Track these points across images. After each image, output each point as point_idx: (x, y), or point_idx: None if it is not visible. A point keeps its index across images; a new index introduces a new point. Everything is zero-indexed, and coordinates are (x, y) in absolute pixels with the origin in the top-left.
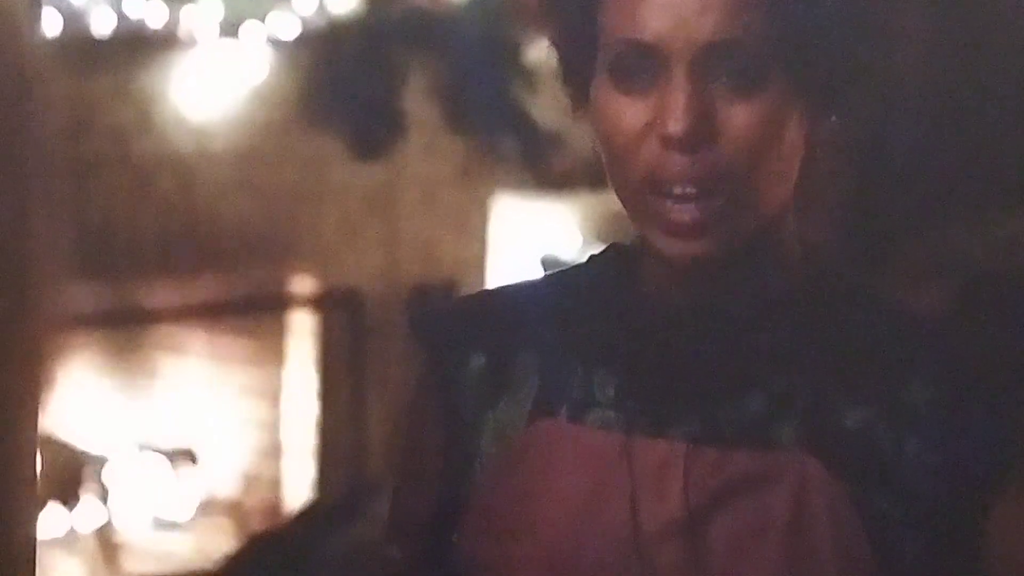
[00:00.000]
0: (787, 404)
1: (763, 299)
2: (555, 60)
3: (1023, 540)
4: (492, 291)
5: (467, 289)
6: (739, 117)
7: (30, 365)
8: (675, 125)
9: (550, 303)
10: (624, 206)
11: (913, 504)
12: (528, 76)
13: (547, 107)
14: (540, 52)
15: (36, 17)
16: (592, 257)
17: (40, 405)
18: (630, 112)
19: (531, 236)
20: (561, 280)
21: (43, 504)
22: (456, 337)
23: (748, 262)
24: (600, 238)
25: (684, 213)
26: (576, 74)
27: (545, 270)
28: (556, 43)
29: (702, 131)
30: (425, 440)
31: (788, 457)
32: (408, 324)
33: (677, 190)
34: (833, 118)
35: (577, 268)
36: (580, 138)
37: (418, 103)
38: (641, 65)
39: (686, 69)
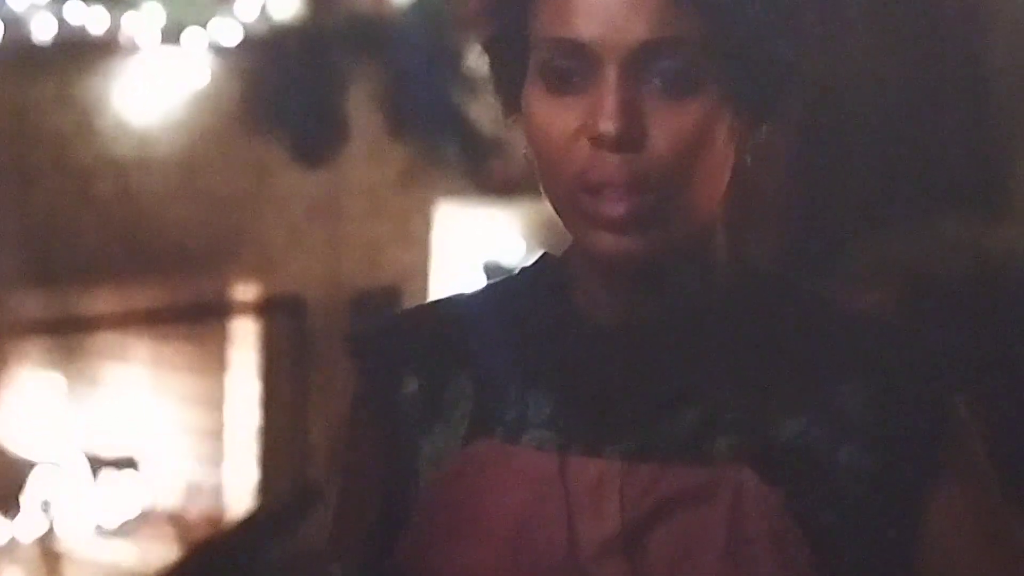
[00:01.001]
0: (721, 417)
1: (693, 311)
2: (487, 66)
3: (956, 542)
4: (425, 308)
5: (410, 295)
6: (670, 119)
7: None
8: (606, 124)
9: (483, 322)
10: (556, 209)
11: (850, 510)
12: (470, 82)
13: (490, 113)
14: (479, 56)
15: None
16: (524, 269)
17: None
18: (561, 114)
19: (474, 242)
20: (494, 295)
21: None
22: (389, 360)
23: (677, 269)
24: (543, 244)
25: (616, 207)
26: (508, 80)
27: (488, 276)
28: (488, 48)
29: (634, 131)
30: (362, 461)
31: (723, 471)
32: (343, 342)
33: (608, 191)
34: (763, 128)
35: (510, 281)
36: (523, 144)
37: (361, 109)
38: (572, 67)
39: (618, 69)
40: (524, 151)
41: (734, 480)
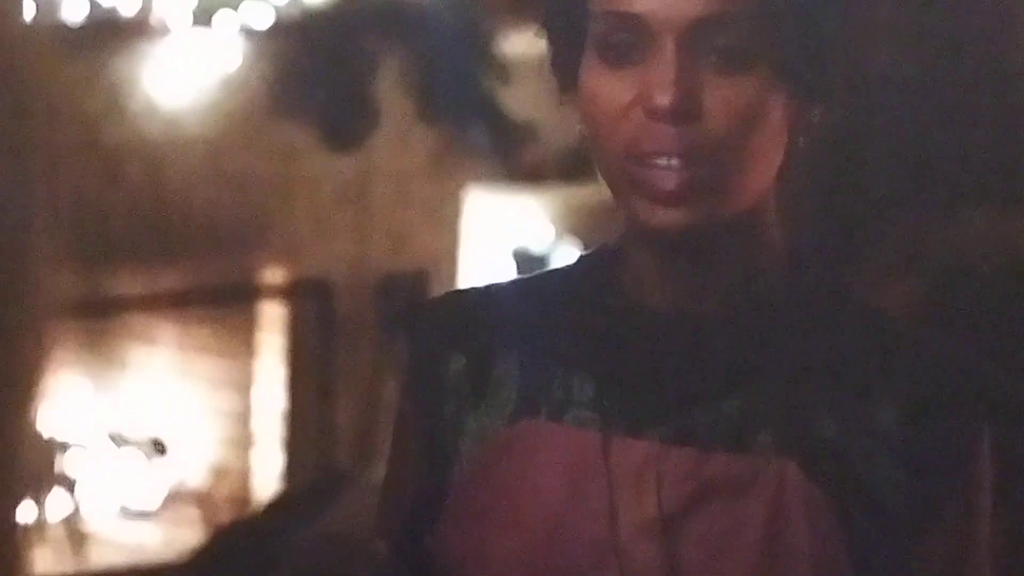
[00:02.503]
0: (763, 409)
1: (741, 301)
2: (544, 44)
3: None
4: (474, 290)
5: (438, 281)
6: (725, 94)
7: (22, 356)
8: (662, 97)
9: (530, 304)
10: (608, 183)
11: (884, 518)
12: (501, 68)
13: (520, 99)
14: (513, 44)
15: (18, 5)
16: (581, 257)
17: (32, 396)
18: (618, 86)
19: (503, 228)
20: (543, 280)
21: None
22: (437, 337)
23: (728, 250)
24: (572, 231)
25: (668, 180)
26: (565, 56)
27: (517, 263)
28: (547, 24)
29: (689, 105)
30: (408, 435)
31: (766, 461)
32: (386, 325)
33: (661, 161)
34: (817, 111)
35: (563, 268)
36: (553, 131)
37: (391, 94)
38: (629, 40)
39: (675, 43)
40: (579, 127)
41: (777, 471)
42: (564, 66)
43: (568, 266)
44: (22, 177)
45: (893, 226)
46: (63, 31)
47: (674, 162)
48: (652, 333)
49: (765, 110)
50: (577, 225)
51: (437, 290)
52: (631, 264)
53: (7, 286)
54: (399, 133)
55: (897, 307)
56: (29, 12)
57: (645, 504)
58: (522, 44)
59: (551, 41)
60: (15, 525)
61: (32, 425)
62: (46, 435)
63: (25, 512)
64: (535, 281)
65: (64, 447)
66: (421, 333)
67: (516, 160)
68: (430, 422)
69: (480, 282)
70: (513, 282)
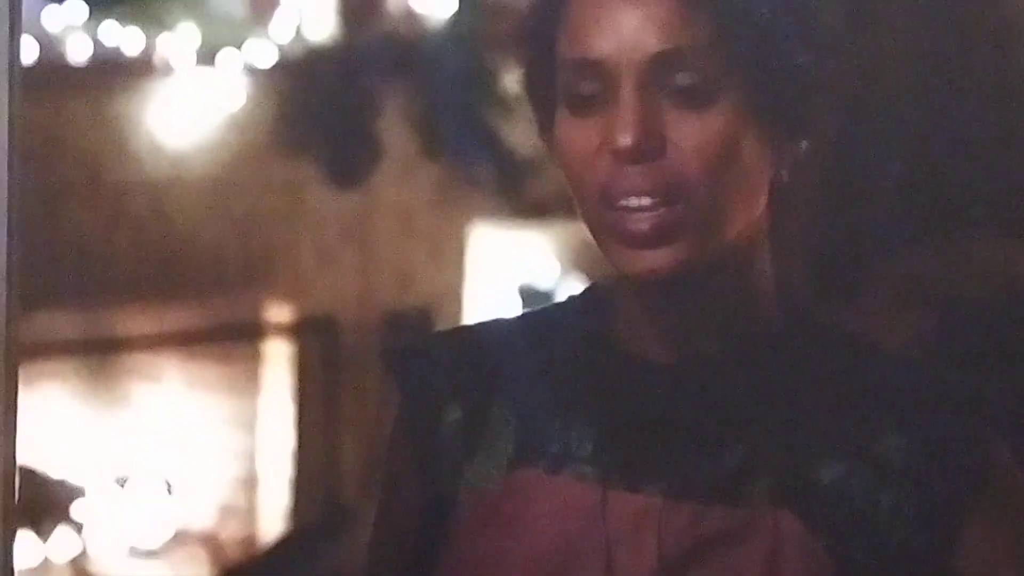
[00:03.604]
0: (762, 459)
1: (736, 349)
2: (523, 90)
3: (995, 563)
4: (468, 331)
5: (443, 317)
6: (690, 129)
7: (4, 392)
8: (623, 137)
9: (528, 352)
10: (589, 230)
11: (889, 554)
12: (504, 103)
13: (523, 134)
14: (516, 79)
15: (16, 44)
16: (570, 298)
17: (12, 435)
18: (584, 134)
19: (508, 264)
20: (538, 324)
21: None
22: (431, 386)
23: (717, 292)
24: (577, 266)
25: (641, 222)
26: (542, 103)
27: (522, 299)
28: (524, 73)
29: (651, 142)
30: (401, 485)
31: (763, 513)
32: (383, 363)
33: (632, 202)
34: (804, 144)
35: (555, 309)
36: (557, 166)
37: (394, 130)
38: (593, 88)
39: (633, 83)
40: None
41: (772, 523)
42: (542, 113)
43: (560, 306)
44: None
45: (894, 257)
46: (67, 71)
47: (644, 201)
48: (649, 386)
49: (734, 142)
50: (582, 260)
51: (442, 327)
52: (624, 311)
53: None
54: (403, 169)
55: (900, 339)
56: (33, 53)
57: (644, 558)
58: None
59: (527, 89)
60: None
61: (26, 463)
62: (52, 475)
63: (31, 552)
64: (528, 323)
65: (71, 486)
66: (414, 381)
67: (520, 195)
68: (425, 472)
69: (474, 319)
70: (508, 323)
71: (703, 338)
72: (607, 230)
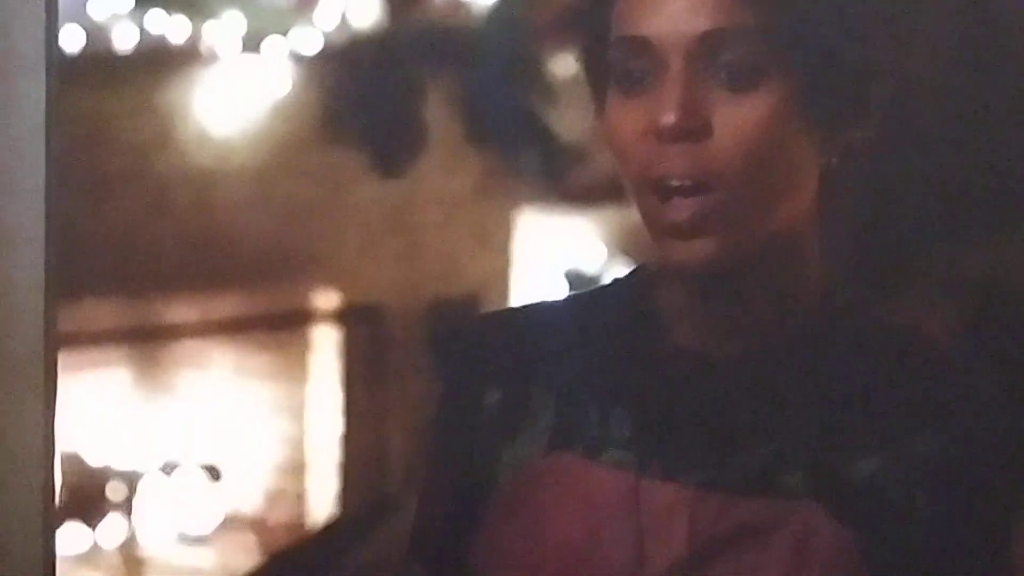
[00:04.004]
0: (797, 452)
1: (777, 341)
2: (582, 72)
3: None
4: (511, 315)
5: (489, 304)
6: (735, 112)
7: (40, 381)
8: (667, 116)
9: (570, 335)
10: (642, 219)
11: (923, 552)
12: (549, 90)
13: (568, 120)
14: (560, 65)
15: (52, 35)
16: (615, 281)
17: (52, 420)
18: (632, 114)
19: (554, 250)
20: (582, 307)
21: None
22: (473, 369)
23: (762, 284)
24: (624, 251)
25: (681, 211)
26: (596, 85)
27: (569, 284)
28: (579, 55)
29: (695, 122)
30: (442, 464)
31: (793, 506)
32: (426, 348)
33: (673, 183)
34: (855, 132)
35: (599, 293)
36: (602, 151)
37: (439, 118)
38: (642, 67)
39: (680, 62)
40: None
41: (804, 517)
42: (599, 94)
43: (604, 289)
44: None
45: (933, 249)
46: (113, 59)
47: (686, 183)
48: (688, 374)
49: (780, 129)
50: (628, 245)
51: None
52: (667, 299)
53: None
54: (448, 157)
55: (938, 332)
56: (79, 42)
57: (674, 547)
58: (569, 65)
59: (584, 70)
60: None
61: (76, 451)
62: (101, 462)
63: (80, 539)
64: (570, 307)
65: (120, 473)
66: (456, 364)
67: (566, 181)
68: (466, 453)
69: (515, 303)
70: (550, 306)
71: (744, 329)
72: (649, 217)
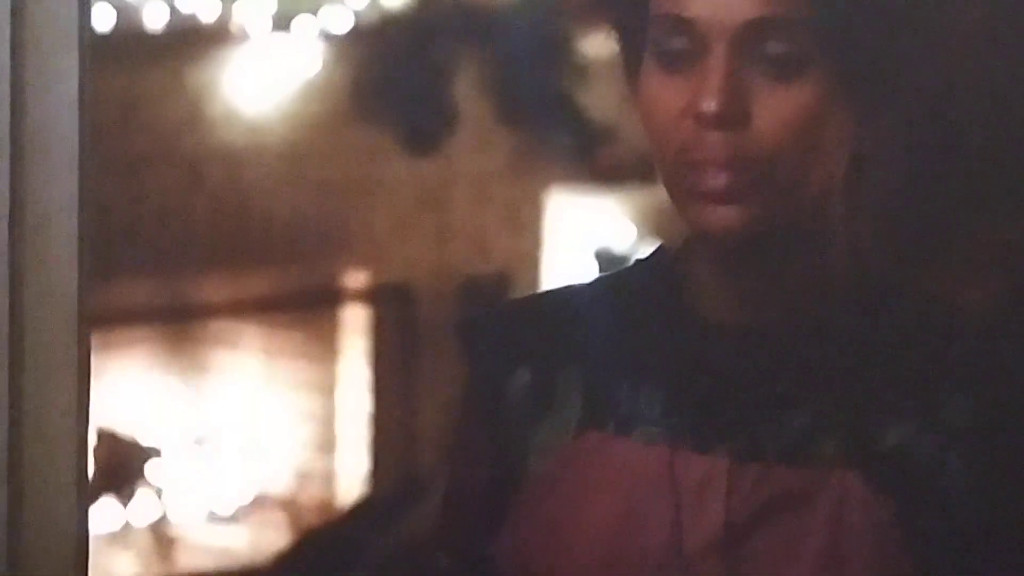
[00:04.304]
0: (830, 420)
1: (806, 310)
2: (614, 42)
3: None
4: (536, 299)
5: (519, 284)
6: (777, 101)
7: (73, 359)
8: (709, 103)
9: (596, 315)
10: (664, 185)
11: (958, 517)
12: (580, 69)
13: (599, 99)
14: (591, 44)
15: (86, 13)
16: (638, 261)
17: (86, 402)
18: (670, 92)
19: (585, 230)
20: (606, 288)
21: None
22: (501, 351)
23: (789, 255)
24: (654, 231)
25: (718, 179)
26: (632, 57)
27: (600, 264)
28: (615, 26)
29: (736, 110)
30: (470, 449)
31: (828, 475)
32: (454, 331)
33: (710, 169)
34: (886, 119)
35: (623, 273)
36: (633, 131)
37: (470, 97)
38: (684, 45)
39: (725, 47)
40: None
41: (838, 485)
42: (631, 66)
43: (627, 270)
44: (99, 187)
45: (972, 225)
46: (143, 38)
47: (720, 175)
48: (717, 347)
49: (820, 115)
50: (659, 225)
51: (519, 293)
52: (693, 274)
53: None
54: (479, 136)
55: (976, 308)
56: (110, 20)
57: (711, 520)
58: (600, 45)
59: (619, 42)
60: (86, 530)
61: (107, 428)
62: (132, 440)
63: (112, 517)
64: (595, 288)
65: (151, 452)
66: (483, 348)
67: (596, 161)
68: (494, 437)
69: (551, 286)
70: (575, 289)
71: (773, 299)
72: (682, 186)
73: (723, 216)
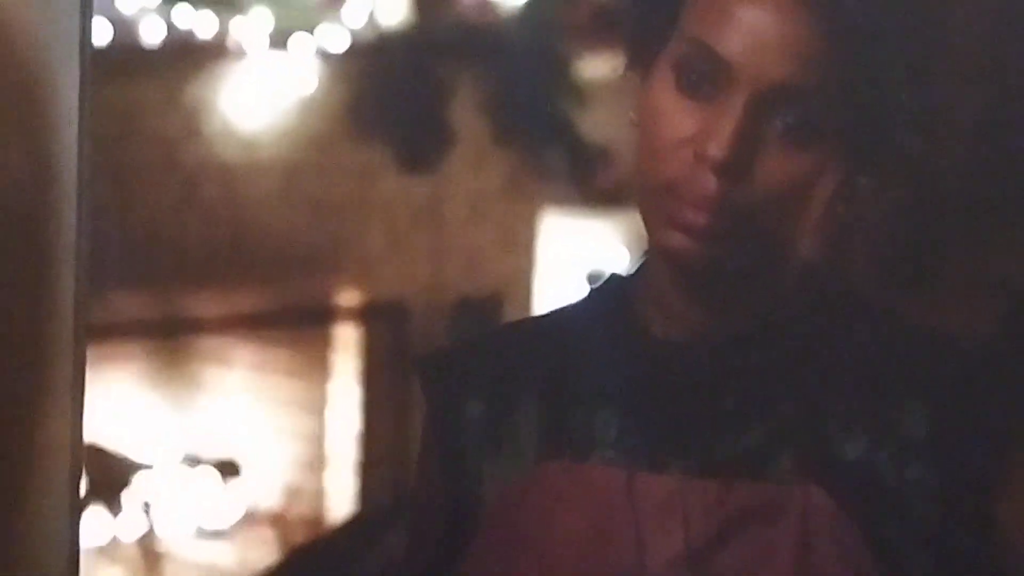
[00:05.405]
0: (786, 435)
1: (759, 328)
2: (627, 16)
3: None
4: (493, 333)
5: (512, 304)
6: (783, 164)
7: (69, 373)
8: (717, 149)
9: (551, 345)
10: (638, 197)
11: (917, 527)
12: (576, 90)
13: (595, 122)
14: (588, 66)
15: (87, 27)
16: (593, 290)
17: (80, 414)
18: (680, 115)
19: (578, 251)
20: (563, 318)
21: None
22: (455, 386)
23: (751, 276)
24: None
25: (698, 217)
26: (643, 39)
27: (591, 286)
28: (632, 13)
29: (741, 163)
30: (430, 481)
31: (791, 489)
32: (412, 367)
33: (694, 208)
34: (864, 181)
35: (580, 302)
36: (628, 153)
37: (466, 117)
38: (706, 74)
39: (747, 98)
40: (631, 117)
41: (802, 497)
42: (639, 46)
43: (583, 300)
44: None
45: (963, 247)
46: (140, 54)
47: (702, 217)
48: (671, 366)
49: (818, 184)
50: None
51: (511, 313)
52: (650, 294)
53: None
54: (474, 155)
55: (966, 330)
56: (107, 36)
57: (672, 539)
58: (598, 67)
59: (635, 14)
60: (77, 543)
61: (97, 443)
62: (122, 454)
63: (100, 531)
64: (550, 319)
65: (140, 466)
66: (438, 382)
67: (591, 183)
68: (453, 469)
69: (543, 306)
70: (528, 321)
71: (727, 317)
72: (660, 210)
73: (688, 246)
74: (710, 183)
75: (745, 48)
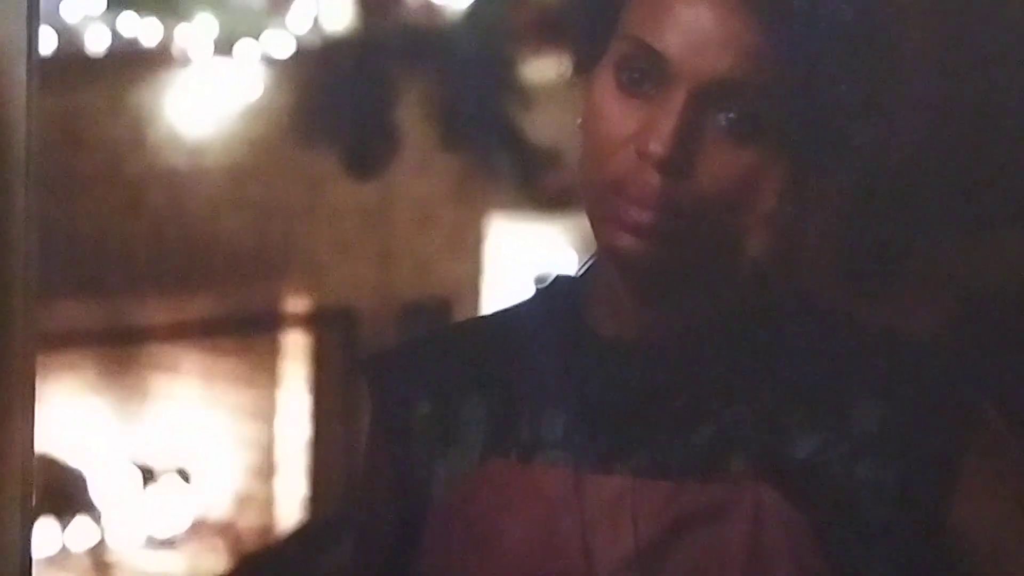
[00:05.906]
0: (737, 435)
1: (708, 327)
2: (575, 18)
3: (992, 510)
4: (439, 333)
5: (460, 308)
6: (725, 159)
7: (19, 381)
8: (657, 145)
9: (497, 344)
10: (583, 197)
11: (869, 526)
12: (523, 94)
13: (542, 125)
14: (535, 69)
15: (33, 35)
16: (539, 291)
17: (30, 422)
18: (622, 114)
19: (526, 255)
20: (509, 317)
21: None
22: (401, 385)
23: (694, 268)
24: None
25: (643, 215)
26: (586, 46)
27: (537, 287)
28: (574, 22)
29: (682, 160)
30: (378, 483)
31: (742, 488)
32: (357, 368)
33: (638, 206)
34: (812, 181)
35: (526, 302)
36: (576, 157)
37: (413, 121)
38: (646, 73)
39: (687, 94)
40: (578, 122)
41: (753, 497)
42: (584, 52)
43: (529, 299)
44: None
45: (916, 250)
46: (85, 61)
47: (646, 215)
48: (618, 365)
49: (761, 181)
50: None
51: (460, 318)
52: (598, 294)
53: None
54: (421, 160)
55: (923, 330)
56: (51, 43)
57: (620, 540)
58: (545, 70)
59: (579, 23)
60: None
61: (46, 452)
62: (70, 464)
63: (49, 541)
64: (497, 319)
65: (89, 477)
66: (384, 381)
67: (539, 186)
68: (399, 469)
69: (490, 310)
70: (474, 321)
71: (673, 315)
72: (605, 209)
73: (636, 246)
74: (653, 180)
75: (683, 43)
